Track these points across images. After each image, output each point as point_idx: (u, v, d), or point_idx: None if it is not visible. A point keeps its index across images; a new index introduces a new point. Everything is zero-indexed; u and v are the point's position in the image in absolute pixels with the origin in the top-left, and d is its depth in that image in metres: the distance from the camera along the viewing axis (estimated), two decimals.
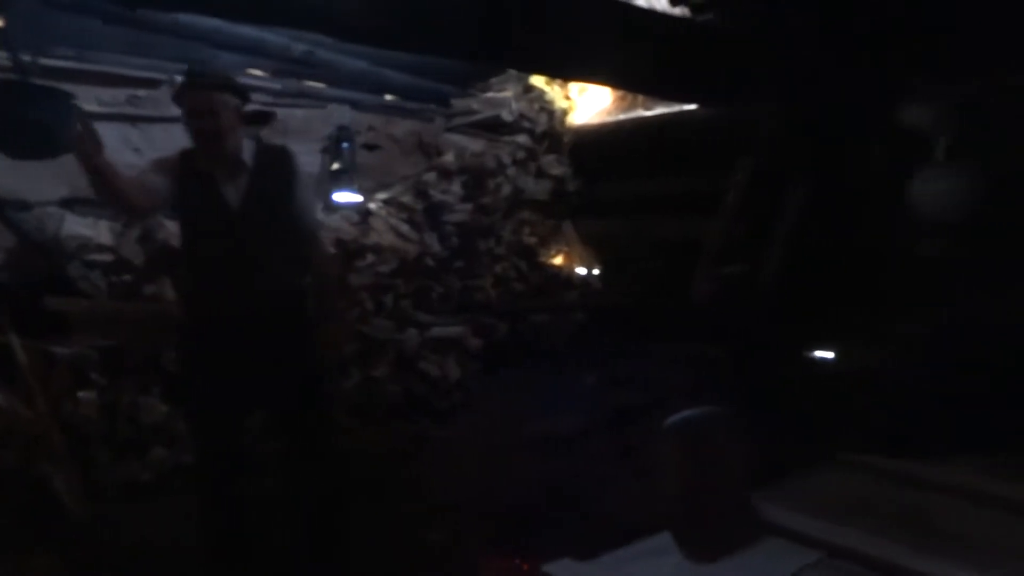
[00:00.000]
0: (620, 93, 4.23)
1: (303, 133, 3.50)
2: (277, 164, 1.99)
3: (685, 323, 3.29)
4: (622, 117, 4.19)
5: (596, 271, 4.16)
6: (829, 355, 3.44)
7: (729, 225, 3.28)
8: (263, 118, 3.38)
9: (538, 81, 4.18)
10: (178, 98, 1.92)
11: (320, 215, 2.36)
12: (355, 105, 3.66)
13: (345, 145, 3.41)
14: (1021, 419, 2.83)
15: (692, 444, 1.42)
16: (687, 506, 1.40)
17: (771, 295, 3.18)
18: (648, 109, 4.10)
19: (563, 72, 3.21)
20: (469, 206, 3.80)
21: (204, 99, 1.85)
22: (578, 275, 4.16)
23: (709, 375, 3.20)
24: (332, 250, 2.61)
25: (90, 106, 2.74)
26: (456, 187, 3.73)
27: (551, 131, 4.13)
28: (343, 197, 3.39)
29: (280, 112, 3.47)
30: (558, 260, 4.16)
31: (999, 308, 3.02)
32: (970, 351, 2.97)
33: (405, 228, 3.56)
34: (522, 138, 4.04)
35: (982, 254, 3.10)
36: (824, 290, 3.31)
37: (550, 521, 2.70)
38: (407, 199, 3.62)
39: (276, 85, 3.43)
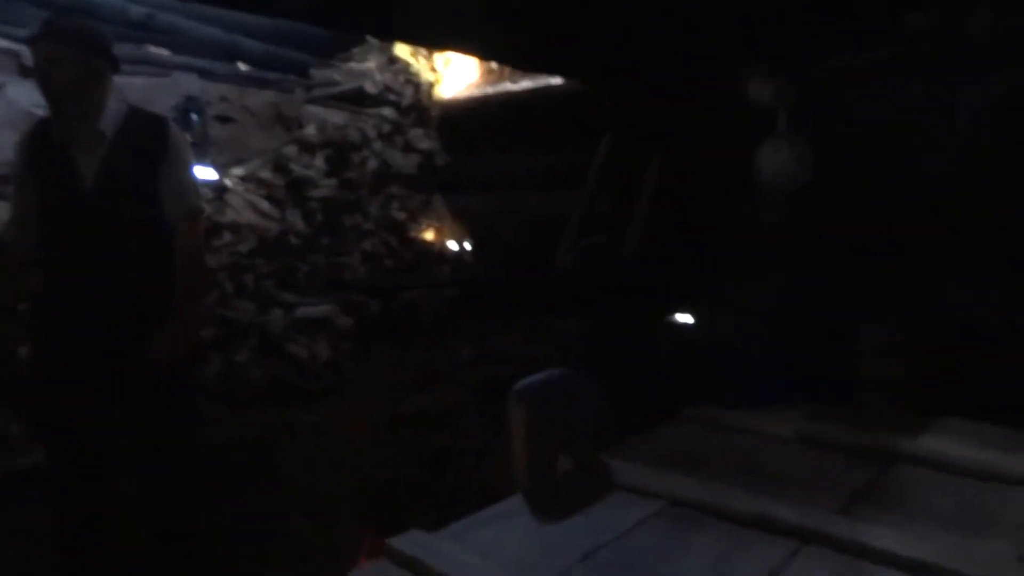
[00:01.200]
0: (487, 66, 4.22)
1: (144, 104, 3.23)
2: (145, 135, 1.78)
3: (553, 296, 3.37)
4: (489, 91, 4.18)
5: (468, 246, 4.16)
6: (688, 321, 3.61)
7: (591, 199, 3.37)
8: None
9: (403, 52, 4.09)
10: (32, 48, 1.70)
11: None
12: (205, 74, 3.43)
13: (194, 116, 3.18)
14: (845, 370, 3.12)
15: (537, 407, 1.45)
16: (533, 468, 1.44)
17: (632, 265, 3.30)
18: (515, 83, 4.11)
19: (424, 40, 3.16)
20: (333, 181, 3.68)
21: (56, 49, 1.65)
22: (450, 250, 4.15)
23: (577, 345, 3.29)
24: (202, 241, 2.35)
25: None
26: (319, 161, 3.60)
27: (417, 104, 4.06)
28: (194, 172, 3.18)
29: (116, 80, 3.19)
30: (429, 235, 4.13)
31: (830, 273, 3.29)
32: (802, 313, 3.23)
33: (265, 205, 3.39)
34: (387, 111, 3.94)
35: (815, 221, 3.36)
36: (682, 259, 3.47)
37: (423, 497, 2.70)
38: (266, 174, 3.45)
39: None
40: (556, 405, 1.49)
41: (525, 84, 4.05)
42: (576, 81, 3.71)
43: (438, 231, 4.16)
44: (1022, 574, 1.12)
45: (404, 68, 4.08)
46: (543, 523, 1.38)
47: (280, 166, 3.48)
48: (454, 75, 4.30)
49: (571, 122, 3.67)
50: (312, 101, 3.82)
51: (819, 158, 3.31)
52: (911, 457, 1.51)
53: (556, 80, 3.81)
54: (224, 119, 3.54)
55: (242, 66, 3.62)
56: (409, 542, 1.28)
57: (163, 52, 3.34)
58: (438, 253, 4.10)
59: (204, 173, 3.20)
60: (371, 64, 4.00)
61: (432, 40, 3.13)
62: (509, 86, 4.13)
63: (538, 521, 1.38)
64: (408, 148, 4.04)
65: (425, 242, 4.10)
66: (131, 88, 3.32)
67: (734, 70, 3.40)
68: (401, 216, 4.00)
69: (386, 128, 3.93)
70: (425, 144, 4.08)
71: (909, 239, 3.15)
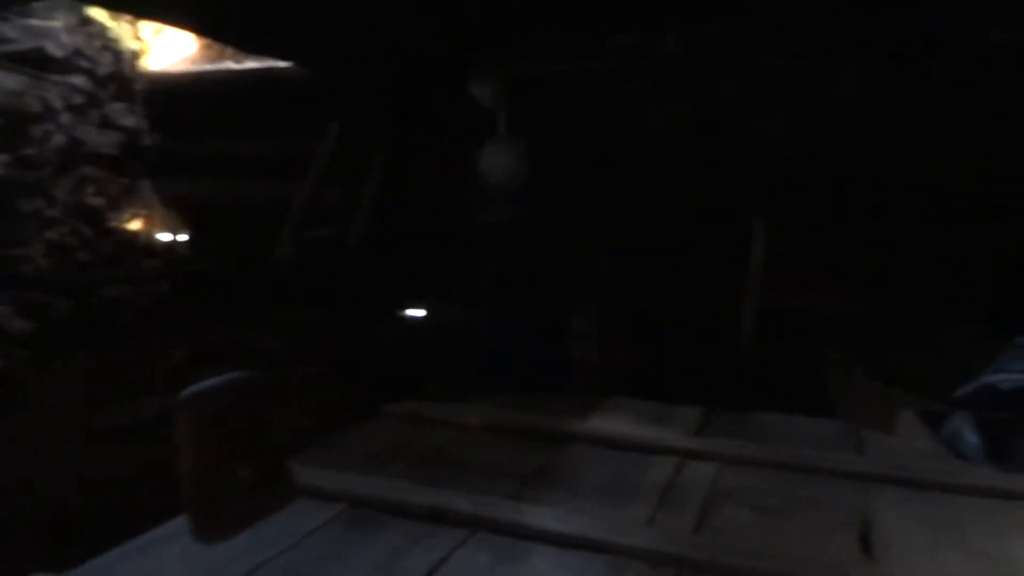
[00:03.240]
0: (206, 41, 3.85)
1: None
2: None
3: (278, 288, 3.18)
4: (208, 68, 3.82)
5: (181, 236, 3.77)
6: (419, 313, 3.64)
7: (316, 188, 3.24)
8: None
9: (100, 14, 3.57)
10: None
11: None
12: None
13: None
14: (561, 356, 3.37)
15: (207, 417, 1.32)
16: (200, 483, 1.31)
17: (358, 257, 3.24)
18: (238, 62, 3.81)
19: (125, 5, 2.79)
20: (5, 157, 3.09)
21: None
22: (160, 241, 3.72)
23: (302, 339, 3.15)
24: None
25: None
26: None
27: (118, 75, 3.57)
28: None
29: None
30: (134, 224, 3.66)
31: (548, 266, 3.53)
32: (523, 305, 3.43)
33: None
34: (79, 79, 3.41)
35: (537, 219, 3.58)
36: (410, 252, 3.48)
37: (101, 523, 2.38)
38: None
39: None
40: (230, 411, 1.37)
41: (250, 64, 3.77)
42: (305, 67, 3.54)
43: (146, 220, 3.71)
44: (650, 532, 1.26)
45: (101, 32, 3.56)
46: (207, 544, 1.26)
47: None
48: (165, 46, 3.86)
49: (297, 108, 3.49)
50: None
51: (537, 159, 3.53)
52: (580, 436, 1.65)
53: (282, 63, 3.60)
54: None
55: None
56: None
57: None
58: (145, 244, 3.66)
59: None
60: (57, 23, 3.42)
61: (134, 6, 2.77)
62: (231, 65, 3.81)
63: (201, 542, 1.26)
64: (106, 124, 3.53)
65: (129, 232, 3.63)
66: None
67: (460, 70, 3.48)
68: (98, 202, 3.49)
69: (77, 99, 3.39)
70: (128, 121, 3.61)
71: (613, 234, 3.50)
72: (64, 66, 3.39)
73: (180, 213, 3.76)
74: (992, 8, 2.63)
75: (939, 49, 2.79)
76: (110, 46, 3.58)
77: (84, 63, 3.46)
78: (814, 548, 1.21)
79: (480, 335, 3.31)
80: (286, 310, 3.07)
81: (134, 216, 3.67)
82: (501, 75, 3.47)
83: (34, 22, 3.44)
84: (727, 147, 3.31)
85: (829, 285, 3.02)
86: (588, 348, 3.26)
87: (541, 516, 1.30)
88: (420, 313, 3.63)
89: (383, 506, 1.38)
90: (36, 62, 3.34)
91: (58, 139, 3.31)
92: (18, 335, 3.02)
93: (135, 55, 3.69)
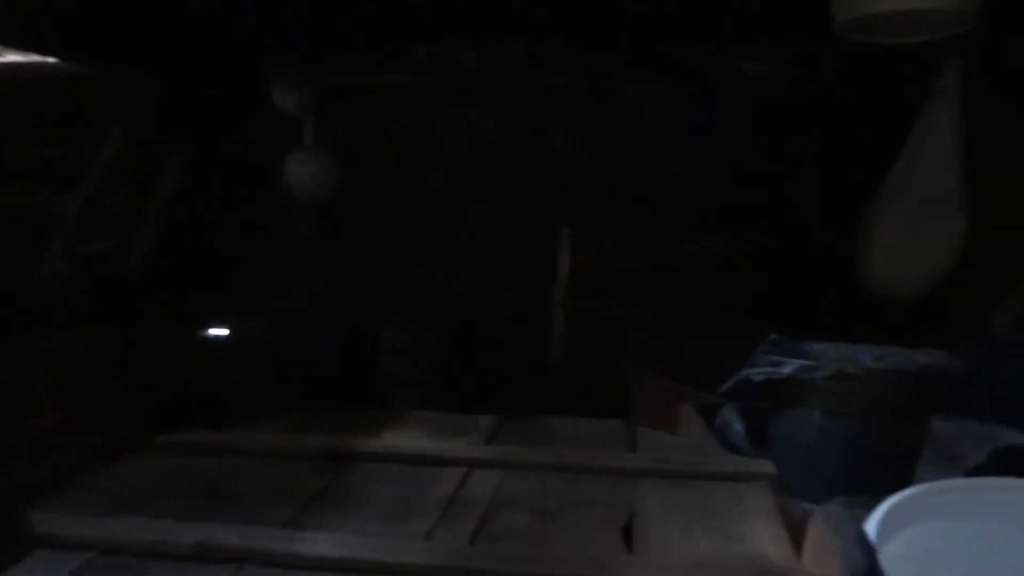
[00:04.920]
0: None
1: None
2: None
3: (43, 311, 2.83)
4: None
5: None
6: (222, 332, 3.41)
7: (92, 198, 2.93)
8: None
9: None
10: None
11: None
12: None
13: None
14: (373, 371, 3.31)
15: None
16: None
17: (145, 274, 2.97)
18: None
19: None
20: None
21: None
22: None
23: (76, 370, 2.82)
24: None
25: None
26: None
27: None
28: None
29: None
30: None
31: (360, 280, 3.46)
32: (333, 320, 3.34)
33: None
34: None
35: (345, 231, 3.50)
36: (207, 267, 3.26)
37: None
38: None
39: None
40: None
41: (11, 57, 3.33)
42: (83, 64, 3.20)
43: None
44: (425, 547, 1.25)
45: None
46: None
47: None
48: None
49: (71, 109, 3.14)
50: None
51: (346, 170, 3.45)
52: (368, 454, 1.62)
53: (50, 59, 3.22)
54: None
55: None
56: None
57: None
58: None
59: None
60: None
61: None
62: None
63: None
64: None
65: None
66: None
67: (261, 76, 3.33)
68: None
69: None
70: None
71: (423, 246, 3.51)
72: None
73: None
74: (744, 45, 2.96)
75: (707, 79, 3.10)
76: None
77: None
78: (581, 546, 1.28)
79: (287, 353, 3.17)
80: (50, 336, 2.73)
81: None
82: (304, 84, 3.37)
83: None
84: (531, 161, 3.45)
85: (626, 292, 3.24)
86: (400, 362, 3.24)
87: (316, 542, 1.25)
88: (222, 332, 3.41)
89: (141, 550, 1.25)
90: None
91: None
92: None
93: None
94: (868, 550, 1.17)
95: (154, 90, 3.19)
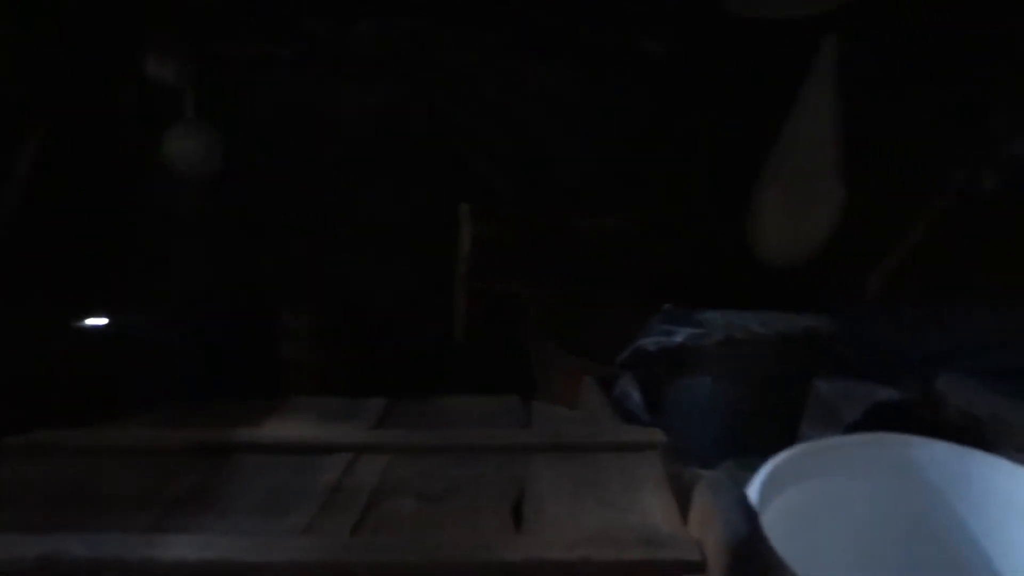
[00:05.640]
0: None
1: None
2: None
3: None
4: None
5: None
6: (99, 321, 3.17)
7: None
8: None
9: None
10: None
11: None
12: None
13: None
14: (270, 356, 3.16)
15: None
16: None
17: (2, 260, 2.71)
18: None
19: None
20: None
21: None
22: None
23: None
24: None
25: None
26: None
27: None
28: None
29: None
30: None
31: (253, 262, 3.28)
32: (225, 305, 3.16)
33: None
34: None
35: (235, 210, 3.31)
36: (78, 251, 3.01)
37: None
38: None
39: None
40: None
41: None
42: None
43: None
44: (302, 542, 1.18)
45: None
46: None
47: None
48: None
49: None
50: None
51: (233, 144, 3.26)
52: (247, 446, 1.51)
53: None
54: None
55: None
56: None
57: None
58: None
59: None
60: None
61: None
62: None
63: None
64: None
65: None
66: None
67: (134, 43, 3.08)
68: None
69: None
70: None
71: (320, 225, 3.36)
72: None
73: None
74: (643, 23, 2.97)
75: (605, 56, 3.10)
76: None
77: None
78: (469, 528, 1.23)
79: (170, 342, 2.98)
80: None
81: None
82: (183, 54, 3.14)
83: None
84: (430, 138, 3.35)
85: (528, 268, 3.22)
86: (299, 347, 3.11)
87: (178, 546, 1.15)
88: (99, 322, 3.17)
89: None
90: None
91: None
92: None
93: None
94: (749, 513, 1.18)
95: (9, 51, 2.89)
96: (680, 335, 1.98)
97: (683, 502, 1.33)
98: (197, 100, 3.18)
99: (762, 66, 2.86)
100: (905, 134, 2.45)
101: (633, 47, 2.91)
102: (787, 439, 1.79)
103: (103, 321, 3.13)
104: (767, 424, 1.99)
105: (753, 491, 1.32)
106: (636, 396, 2.24)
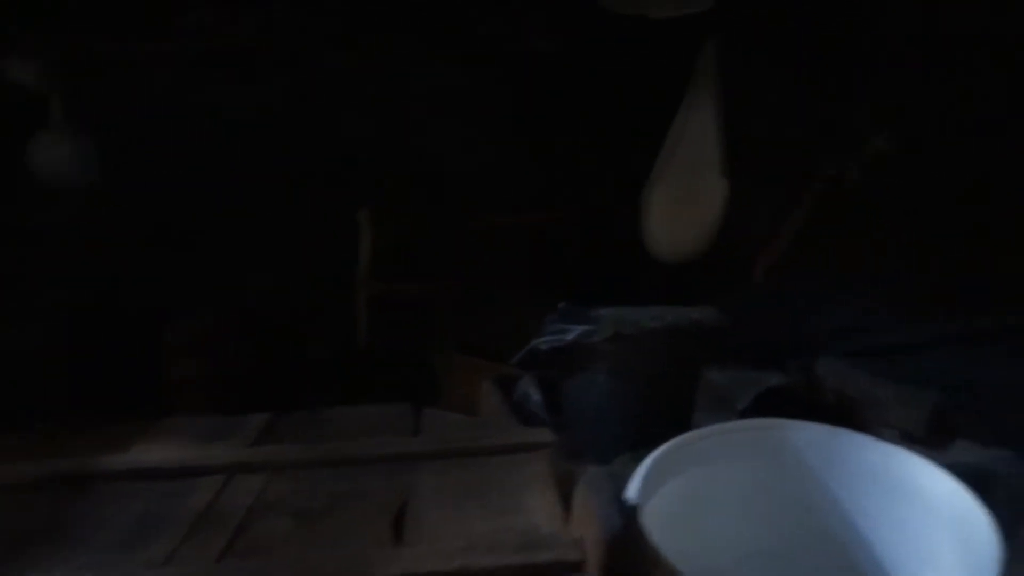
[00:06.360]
0: None
1: None
2: None
3: None
4: None
5: None
6: None
7: None
8: None
9: None
10: None
11: None
12: None
13: None
14: (152, 374, 2.98)
15: None
16: None
17: None
18: None
19: None
20: None
21: None
22: None
23: None
24: None
25: None
26: None
27: None
28: None
29: None
30: None
31: (132, 273, 3.09)
32: (103, 320, 2.96)
33: None
34: None
35: (108, 216, 3.11)
36: None
37: None
38: None
39: None
40: None
41: None
42: None
43: None
44: (163, 573, 1.10)
45: None
46: None
47: None
48: None
49: None
50: None
51: (109, 150, 3.06)
52: (109, 474, 1.41)
53: None
54: None
55: None
56: None
57: None
58: None
59: None
60: None
61: None
62: None
63: None
64: None
65: None
66: None
67: None
68: None
69: None
70: None
71: (207, 233, 3.20)
72: None
73: None
74: (534, 22, 2.98)
75: (498, 56, 3.09)
76: None
77: None
78: (346, 545, 1.19)
79: (42, 361, 2.77)
80: None
81: None
82: (47, 54, 2.93)
83: None
84: (323, 141, 3.26)
85: (427, 270, 3.18)
86: (185, 362, 2.95)
87: None
88: None
89: None
90: None
91: None
92: None
93: None
94: (625, 508, 1.19)
95: None
96: (572, 333, 1.99)
97: (571, 501, 1.33)
98: (67, 104, 2.97)
99: (651, 66, 2.93)
100: (781, 131, 2.56)
101: (523, 46, 2.92)
102: (681, 429, 1.83)
103: None
104: (661, 416, 2.03)
105: (635, 483, 1.34)
106: (536, 397, 2.25)
